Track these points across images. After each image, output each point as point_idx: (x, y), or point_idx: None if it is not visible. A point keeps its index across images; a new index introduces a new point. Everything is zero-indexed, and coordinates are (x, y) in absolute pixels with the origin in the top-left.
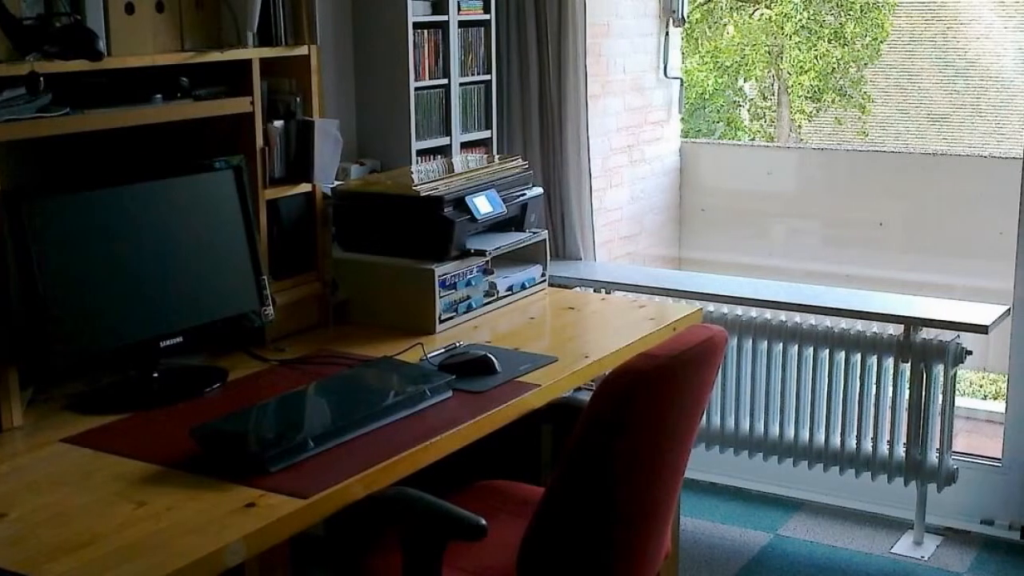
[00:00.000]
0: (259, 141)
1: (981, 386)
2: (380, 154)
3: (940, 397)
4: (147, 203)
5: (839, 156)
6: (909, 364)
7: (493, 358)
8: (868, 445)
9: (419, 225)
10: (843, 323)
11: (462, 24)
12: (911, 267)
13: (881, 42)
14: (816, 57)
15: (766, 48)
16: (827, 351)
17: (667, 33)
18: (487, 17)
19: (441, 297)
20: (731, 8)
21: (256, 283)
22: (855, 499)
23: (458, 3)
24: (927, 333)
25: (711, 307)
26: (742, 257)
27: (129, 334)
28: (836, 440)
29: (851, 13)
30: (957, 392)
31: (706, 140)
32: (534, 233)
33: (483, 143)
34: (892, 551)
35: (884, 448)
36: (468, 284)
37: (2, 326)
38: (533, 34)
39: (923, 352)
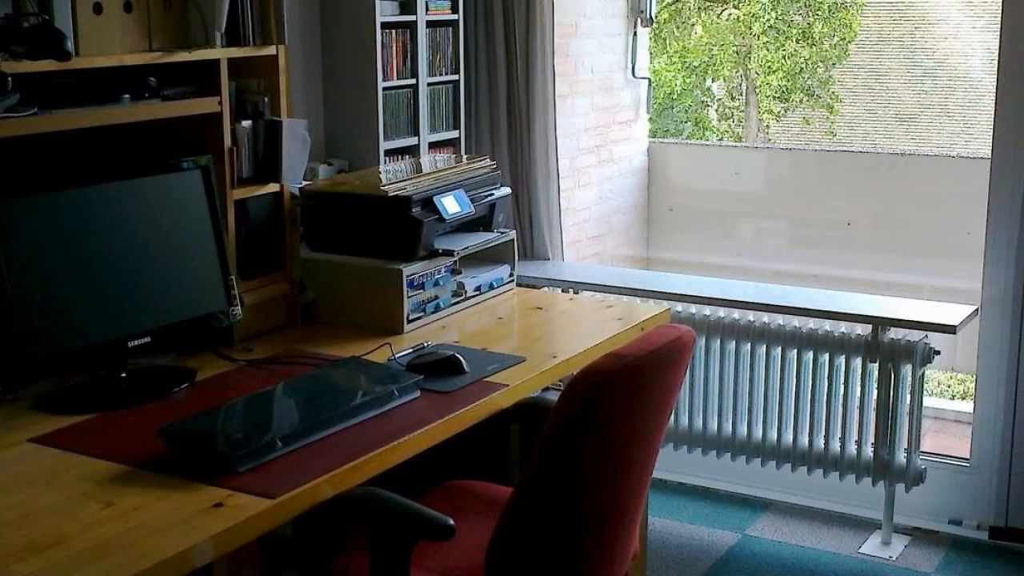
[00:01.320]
0: (227, 141)
1: (949, 386)
2: (348, 154)
3: (908, 397)
4: (115, 203)
5: (807, 156)
6: (877, 364)
7: (461, 358)
8: (836, 445)
9: (387, 225)
10: (811, 323)
11: (430, 24)
12: (879, 267)
13: (849, 42)
14: (784, 57)
15: (734, 48)
16: (795, 351)
17: (635, 33)
18: (455, 17)
19: (409, 297)
20: (699, 8)
21: (224, 283)
22: (823, 499)
23: (426, 3)
24: (895, 333)
25: (679, 307)
26: (710, 257)
27: (97, 334)
28: (804, 440)
29: (819, 13)
30: (925, 392)
31: (674, 140)
32: (502, 233)
33: (451, 143)
34: (860, 551)
35: (852, 448)
36: (436, 284)
37: None
38: (501, 34)
39: (891, 352)
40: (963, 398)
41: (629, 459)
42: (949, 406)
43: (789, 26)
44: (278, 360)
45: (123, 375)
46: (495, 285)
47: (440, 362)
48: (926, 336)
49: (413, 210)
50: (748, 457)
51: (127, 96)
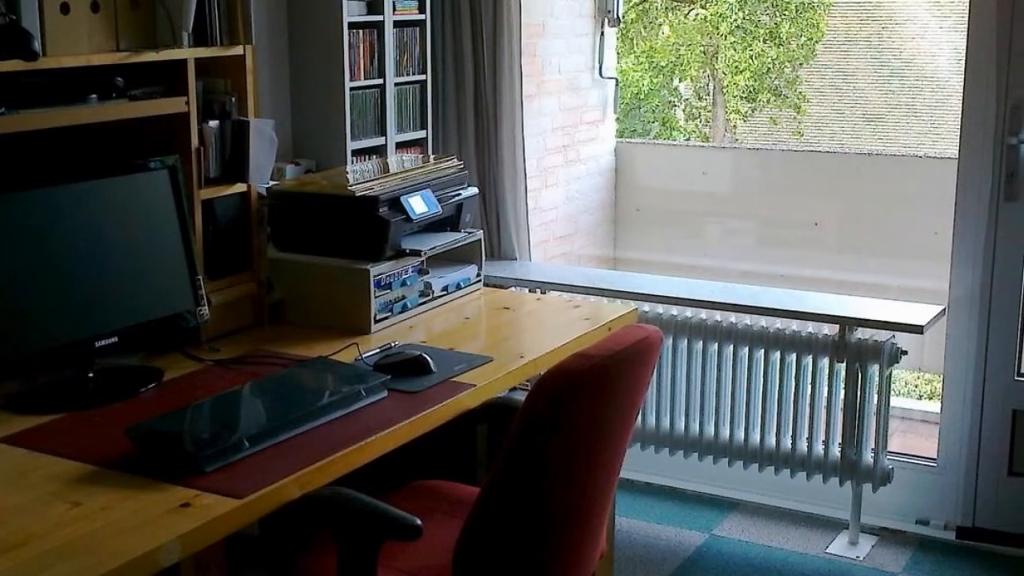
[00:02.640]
0: (194, 141)
1: (916, 386)
2: (315, 154)
3: (875, 397)
4: (82, 203)
5: (774, 156)
6: (844, 364)
7: (428, 358)
8: (803, 445)
9: (354, 225)
10: (778, 323)
11: (397, 24)
12: (846, 267)
13: (816, 42)
14: (751, 57)
15: (701, 48)
16: (762, 351)
17: (602, 33)
18: (422, 17)
19: (376, 297)
20: (666, 8)
21: (191, 283)
22: (790, 499)
23: (393, 3)
24: (862, 333)
25: (646, 307)
26: (677, 257)
27: (64, 334)
28: (771, 440)
29: (786, 13)
30: (892, 392)
31: (641, 140)
32: (469, 233)
33: (418, 143)
34: (827, 551)
35: (819, 448)
36: (403, 284)
37: None
38: (468, 34)
39: (858, 352)
40: (930, 398)
41: (596, 459)
42: (916, 406)
43: (756, 26)
44: (245, 360)
45: (90, 375)
46: (462, 285)
47: (407, 362)
48: (893, 336)
49: (380, 210)
50: (715, 457)
51: (94, 96)
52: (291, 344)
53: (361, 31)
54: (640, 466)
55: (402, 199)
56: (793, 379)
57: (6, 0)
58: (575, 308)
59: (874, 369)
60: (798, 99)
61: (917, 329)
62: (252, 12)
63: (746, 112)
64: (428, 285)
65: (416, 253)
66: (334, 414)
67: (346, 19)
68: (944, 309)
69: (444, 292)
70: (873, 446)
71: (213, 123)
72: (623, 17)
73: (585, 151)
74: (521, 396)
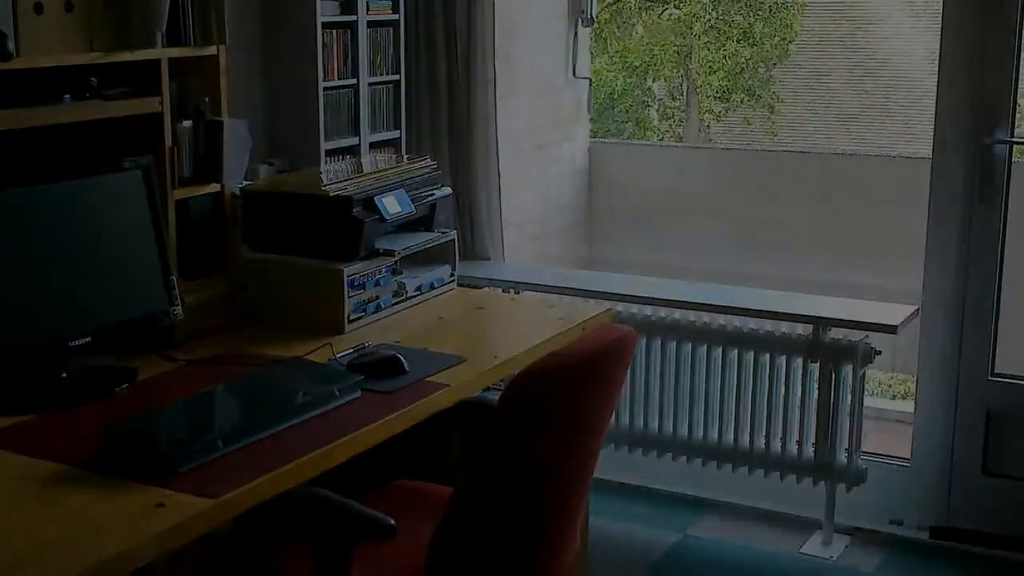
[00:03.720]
0: (168, 141)
1: (890, 386)
2: (289, 154)
3: (849, 397)
4: (56, 204)
5: (748, 156)
6: (818, 364)
7: (402, 358)
8: (777, 445)
9: (328, 225)
10: (752, 323)
11: (371, 24)
12: (820, 267)
13: (790, 42)
14: (725, 57)
15: (675, 48)
16: (736, 351)
17: (576, 33)
18: (396, 17)
19: (350, 297)
20: (640, 8)
21: (165, 283)
22: (764, 499)
23: (367, 3)
24: (836, 333)
25: (620, 307)
26: (651, 257)
27: (38, 334)
28: (745, 440)
29: (760, 13)
30: (866, 392)
31: (615, 140)
32: (443, 233)
33: (392, 143)
34: (801, 551)
35: (793, 448)
36: (377, 284)
37: None
38: (442, 34)
39: (832, 352)
40: (904, 398)
41: (570, 459)
42: (890, 406)
43: (730, 26)
44: (219, 360)
45: (64, 375)
46: (436, 285)
47: (381, 362)
48: (867, 336)
49: (354, 210)
50: (689, 457)
51: (68, 96)
52: (265, 344)
53: (335, 31)
54: (614, 466)
55: (376, 199)
56: (767, 379)
57: None
58: (549, 308)
59: (848, 369)
60: (772, 99)
61: (891, 329)
62: (226, 12)
63: (720, 112)
64: (402, 285)
65: (390, 253)
66: (308, 414)
67: (319, 19)
68: (918, 309)
69: (418, 292)
70: (847, 446)
71: (187, 123)
72: (597, 17)
73: (559, 151)
74: (495, 396)
